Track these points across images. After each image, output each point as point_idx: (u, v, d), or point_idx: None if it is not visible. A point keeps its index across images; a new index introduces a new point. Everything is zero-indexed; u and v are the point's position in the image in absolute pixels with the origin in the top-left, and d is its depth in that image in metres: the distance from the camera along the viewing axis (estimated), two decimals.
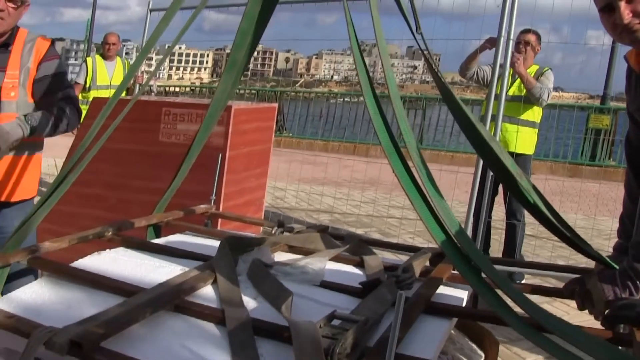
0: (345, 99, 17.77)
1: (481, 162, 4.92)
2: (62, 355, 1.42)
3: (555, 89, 5.57)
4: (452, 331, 2.18)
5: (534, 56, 5.38)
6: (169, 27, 2.13)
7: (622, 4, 1.89)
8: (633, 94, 2.14)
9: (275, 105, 5.01)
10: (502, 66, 4.74)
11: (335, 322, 1.59)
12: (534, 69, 5.36)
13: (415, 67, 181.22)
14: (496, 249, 5.79)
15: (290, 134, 15.74)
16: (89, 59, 7.22)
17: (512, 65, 5.02)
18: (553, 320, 1.63)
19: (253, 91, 18.61)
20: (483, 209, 5.08)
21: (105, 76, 6.97)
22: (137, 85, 7.33)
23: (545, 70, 5.33)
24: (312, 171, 9.17)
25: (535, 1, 5.11)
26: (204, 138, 2.49)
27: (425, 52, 1.97)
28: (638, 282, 1.81)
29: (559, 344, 1.53)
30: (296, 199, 8.30)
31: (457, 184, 6.60)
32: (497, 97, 4.77)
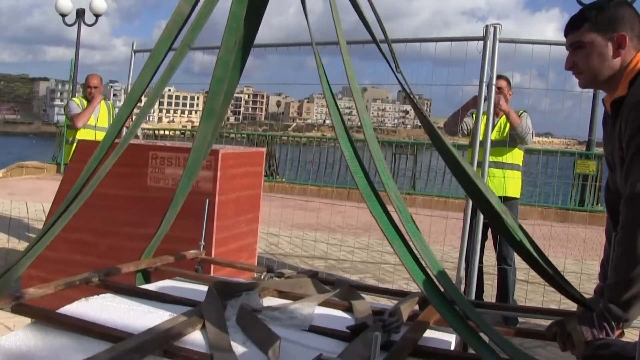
0: (337, 144, 17.87)
1: (470, 206, 4.98)
2: None
3: (545, 134, 5.70)
4: None
5: (508, 101, 5.50)
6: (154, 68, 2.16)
7: (569, 53, 2.19)
8: (607, 137, 2.23)
9: (264, 149, 5.05)
10: (485, 112, 4.86)
11: None
12: None
13: (407, 112, 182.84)
14: (490, 293, 5.82)
15: (283, 179, 15.79)
16: (76, 100, 7.22)
17: (497, 105, 5.13)
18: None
19: (244, 135, 18.72)
20: (474, 254, 5.12)
21: (90, 118, 6.99)
22: (125, 129, 7.35)
23: (521, 114, 5.45)
24: (305, 217, 9.19)
25: (514, 48, 5.22)
26: (187, 185, 2.53)
27: (407, 92, 2.02)
28: (613, 322, 1.89)
29: None
30: (290, 244, 8.31)
31: (450, 229, 6.64)
32: (482, 144, 4.88)
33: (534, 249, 1.97)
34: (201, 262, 2.90)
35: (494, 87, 4.87)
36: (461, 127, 5.57)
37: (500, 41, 4.88)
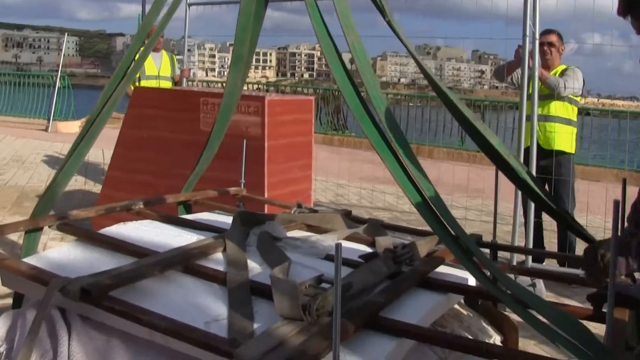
0: (410, 104, 17.67)
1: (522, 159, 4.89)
2: (76, 301, 1.62)
3: (630, 97, 5.46)
4: (463, 310, 2.28)
5: (560, 56, 5.35)
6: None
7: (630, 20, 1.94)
8: None
9: (312, 98, 5.12)
10: (531, 67, 4.74)
11: (325, 285, 1.73)
12: (560, 68, 5.34)
13: (482, 72, 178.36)
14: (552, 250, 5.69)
15: (353, 134, 15.81)
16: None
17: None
18: (530, 297, 1.72)
19: (319, 90, 18.74)
20: (529, 209, 5.04)
21: (153, 67, 7.25)
22: (184, 79, 7.58)
23: (571, 68, 5.31)
24: (373, 170, 9.24)
25: (593, 5, 5.02)
26: (222, 129, 2.66)
27: (398, 38, 2.04)
28: None
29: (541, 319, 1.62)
30: (358, 196, 8.40)
31: (508, 183, 6.55)
32: (530, 98, 4.79)
33: (540, 190, 2.00)
34: (242, 199, 3.04)
35: (537, 41, 4.75)
36: (510, 78, 5.47)
37: None
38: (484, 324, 2.32)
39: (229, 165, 3.24)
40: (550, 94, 5.21)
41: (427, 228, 1.83)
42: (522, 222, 4.97)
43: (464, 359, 1.98)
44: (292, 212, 2.66)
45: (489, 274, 1.89)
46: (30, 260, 1.99)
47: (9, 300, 2.37)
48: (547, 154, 5.18)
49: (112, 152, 5.37)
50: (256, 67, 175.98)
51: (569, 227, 2.08)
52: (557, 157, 5.16)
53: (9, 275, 1.93)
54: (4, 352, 1.84)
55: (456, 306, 2.22)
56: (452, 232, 1.85)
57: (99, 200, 5.09)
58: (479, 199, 7.75)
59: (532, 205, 4.99)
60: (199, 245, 2.02)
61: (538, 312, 1.65)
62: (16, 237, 5.06)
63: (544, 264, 5.19)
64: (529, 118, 4.76)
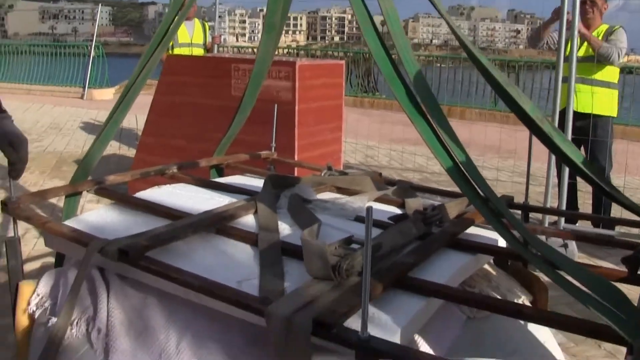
0: (442, 65, 17.46)
1: (557, 120, 4.79)
2: (114, 261, 1.68)
3: None
4: (492, 271, 2.29)
5: (601, 15, 5.20)
6: None
7: None
8: None
9: (342, 62, 5.11)
10: (569, 28, 4.62)
11: (355, 246, 1.75)
12: (603, 28, 5.17)
13: (518, 32, 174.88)
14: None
15: (383, 96, 15.70)
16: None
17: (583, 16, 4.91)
18: (561, 258, 1.71)
19: (349, 54, 18.59)
20: (563, 169, 4.97)
21: (186, 35, 7.30)
22: (216, 46, 7.61)
23: (616, 29, 5.13)
24: (403, 132, 9.20)
25: None
26: (254, 94, 2.69)
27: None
28: None
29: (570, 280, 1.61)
30: (388, 158, 8.39)
31: (542, 146, 6.43)
32: (568, 59, 4.66)
33: (575, 156, 1.96)
34: (272, 162, 3.07)
35: (577, 1, 4.62)
36: (546, 41, 5.36)
37: None
38: (513, 285, 2.33)
39: (260, 129, 3.27)
40: (588, 56, 5.07)
41: (458, 189, 1.82)
42: (556, 183, 4.91)
43: (492, 318, 2.00)
44: (322, 174, 2.68)
45: (519, 235, 1.89)
46: (70, 222, 2.06)
47: (52, 259, 2.46)
48: (584, 116, 5.08)
49: (146, 118, 5.44)
50: (286, 32, 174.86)
51: (604, 194, 2.05)
52: (595, 118, 5.06)
53: (52, 237, 2.00)
54: (49, 308, 1.91)
55: (485, 266, 2.23)
56: (482, 194, 1.85)
57: (134, 165, 5.19)
58: (511, 159, 7.69)
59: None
60: (231, 207, 2.05)
61: (569, 275, 1.64)
62: (55, 200, 5.18)
63: (577, 225, 5.14)
64: (566, 80, 4.65)
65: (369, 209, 1.21)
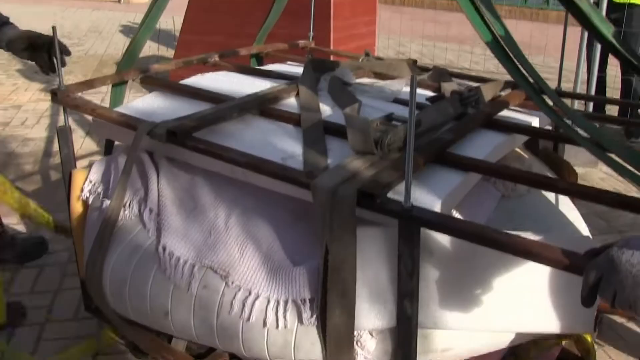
0: None
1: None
2: (162, 142, 1.70)
3: None
4: (525, 155, 2.28)
5: None
6: None
7: None
8: None
9: None
10: None
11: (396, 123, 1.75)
12: None
13: None
14: (614, 108, 5.52)
15: None
16: None
17: None
18: (611, 141, 1.69)
19: None
20: (594, 62, 4.82)
21: None
22: None
23: None
24: (435, 29, 8.98)
25: None
26: None
27: None
28: None
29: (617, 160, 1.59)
30: (419, 54, 8.24)
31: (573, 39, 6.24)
32: None
33: (611, 35, 1.89)
34: (310, 51, 3.03)
35: None
36: None
37: None
38: (544, 169, 2.32)
39: (297, 22, 3.21)
40: None
41: (491, 77, 1.79)
42: (585, 79, 4.79)
43: (525, 198, 2.00)
44: (360, 60, 2.65)
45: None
46: (118, 109, 2.08)
47: (99, 157, 2.50)
48: (619, 7, 4.88)
49: (184, 16, 5.38)
50: None
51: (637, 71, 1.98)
52: (630, 9, 4.86)
53: (101, 123, 2.03)
54: (102, 192, 1.96)
55: (517, 149, 2.22)
56: (523, 70, 1.82)
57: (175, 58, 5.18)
58: (541, 56, 7.50)
59: (597, 60, 4.77)
60: (274, 90, 2.06)
61: (616, 154, 1.62)
62: (100, 100, 5.25)
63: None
64: None
65: (413, 77, 1.20)
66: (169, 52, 7.69)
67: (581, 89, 4.71)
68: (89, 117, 4.95)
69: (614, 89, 5.45)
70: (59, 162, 4.00)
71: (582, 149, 1.70)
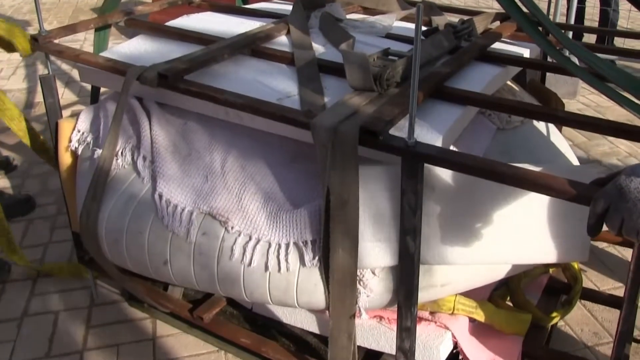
0: None
1: None
2: (153, 87, 1.62)
3: None
4: (515, 87, 2.22)
5: None
6: None
7: None
8: None
9: None
10: None
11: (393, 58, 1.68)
12: None
13: None
14: (591, 39, 5.42)
15: None
16: None
17: None
18: (611, 70, 1.63)
19: None
20: None
21: None
22: None
23: None
24: None
25: None
26: None
27: None
28: None
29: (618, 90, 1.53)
30: None
31: None
32: None
33: None
34: None
35: None
36: None
37: None
38: (533, 100, 2.28)
39: None
40: None
41: (480, 9, 1.72)
42: (564, 12, 4.70)
43: (520, 130, 1.97)
44: None
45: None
46: (104, 54, 1.97)
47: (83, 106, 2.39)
48: None
49: None
50: None
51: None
52: None
53: (87, 69, 1.92)
54: (91, 141, 1.88)
55: (508, 82, 2.16)
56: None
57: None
58: None
59: None
60: (264, 29, 1.96)
61: (612, 81, 1.57)
62: (79, 45, 5.07)
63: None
64: None
65: (419, 6, 1.13)
66: None
67: (561, 20, 4.63)
68: (68, 66, 4.83)
69: (592, 20, 5.37)
70: (41, 113, 3.85)
71: (561, 79, 1.65)
